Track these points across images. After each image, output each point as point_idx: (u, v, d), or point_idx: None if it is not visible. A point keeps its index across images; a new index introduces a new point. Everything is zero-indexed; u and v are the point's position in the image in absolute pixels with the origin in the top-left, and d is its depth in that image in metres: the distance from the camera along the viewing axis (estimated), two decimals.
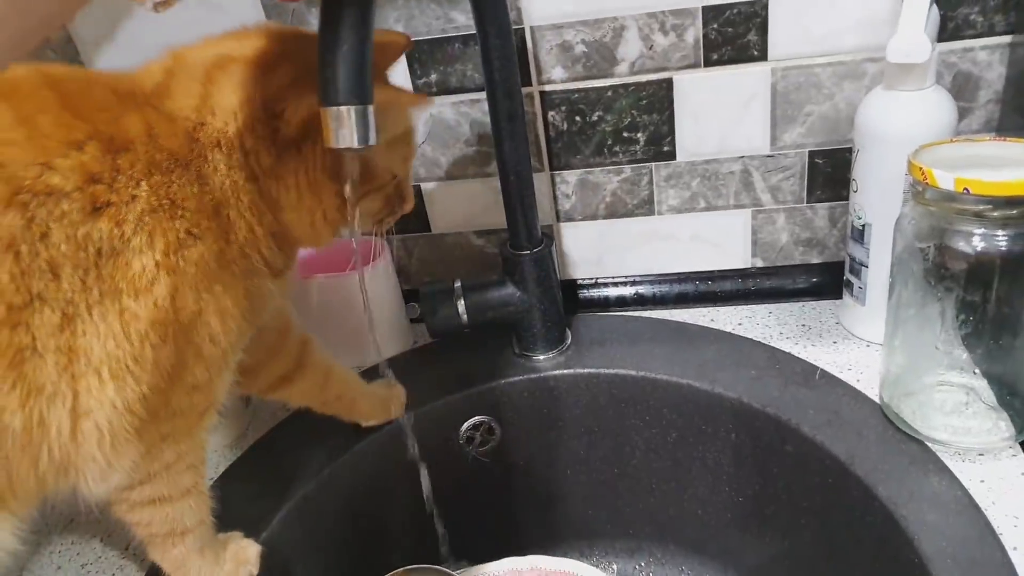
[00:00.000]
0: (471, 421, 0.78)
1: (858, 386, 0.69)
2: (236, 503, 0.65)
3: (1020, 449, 0.60)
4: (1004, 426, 0.60)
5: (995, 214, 0.53)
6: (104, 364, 0.44)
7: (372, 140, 0.45)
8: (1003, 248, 0.55)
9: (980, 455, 0.60)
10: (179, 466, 0.53)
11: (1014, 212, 0.53)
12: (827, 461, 0.64)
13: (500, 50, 0.64)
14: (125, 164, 0.45)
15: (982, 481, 0.57)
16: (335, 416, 0.72)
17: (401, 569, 0.66)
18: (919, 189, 0.56)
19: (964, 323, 0.60)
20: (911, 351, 0.63)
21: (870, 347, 0.73)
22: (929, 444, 0.61)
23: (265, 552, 0.61)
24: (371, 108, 0.45)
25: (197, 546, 0.57)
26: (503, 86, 0.66)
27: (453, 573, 0.64)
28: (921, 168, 0.54)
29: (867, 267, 0.70)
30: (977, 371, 0.62)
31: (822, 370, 0.71)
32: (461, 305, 0.75)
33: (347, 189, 0.52)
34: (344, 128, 0.44)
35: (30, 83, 0.44)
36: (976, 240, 0.55)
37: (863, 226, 0.69)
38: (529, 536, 0.84)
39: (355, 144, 0.45)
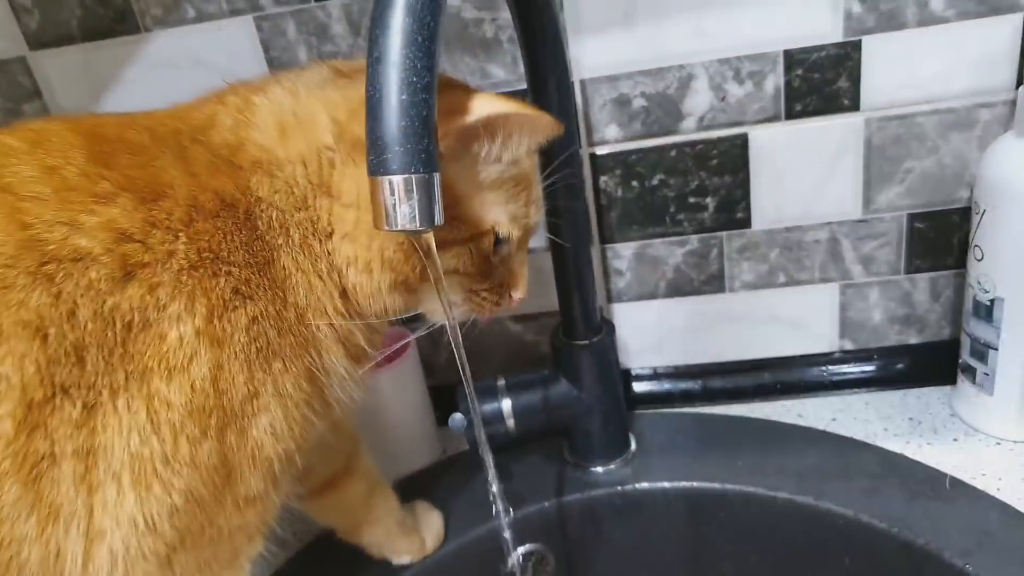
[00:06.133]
0: (520, 551, 0.65)
1: (999, 495, 0.57)
2: None
3: None
4: None
5: None
6: (125, 468, 0.36)
7: (438, 219, 0.33)
8: None
9: None
10: None
11: None
12: None
13: (559, 104, 0.53)
14: (159, 214, 0.37)
15: None
16: (362, 547, 0.59)
17: None
18: None
19: None
20: None
21: (1001, 445, 0.61)
22: None
23: None
24: (437, 177, 0.33)
25: None
26: (562, 149, 0.55)
27: None
28: None
29: (996, 349, 0.59)
30: None
31: (952, 477, 0.59)
32: (507, 407, 0.62)
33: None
34: (401, 204, 0.33)
35: (57, 131, 0.38)
36: None
37: (991, 301, 0.58)
38: None
39: (415, 225, 0.33)
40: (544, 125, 0.44)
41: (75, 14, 0.66)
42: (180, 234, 0.37)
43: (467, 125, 0.41)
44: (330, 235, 0.43)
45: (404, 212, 0.33)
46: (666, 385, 0.74)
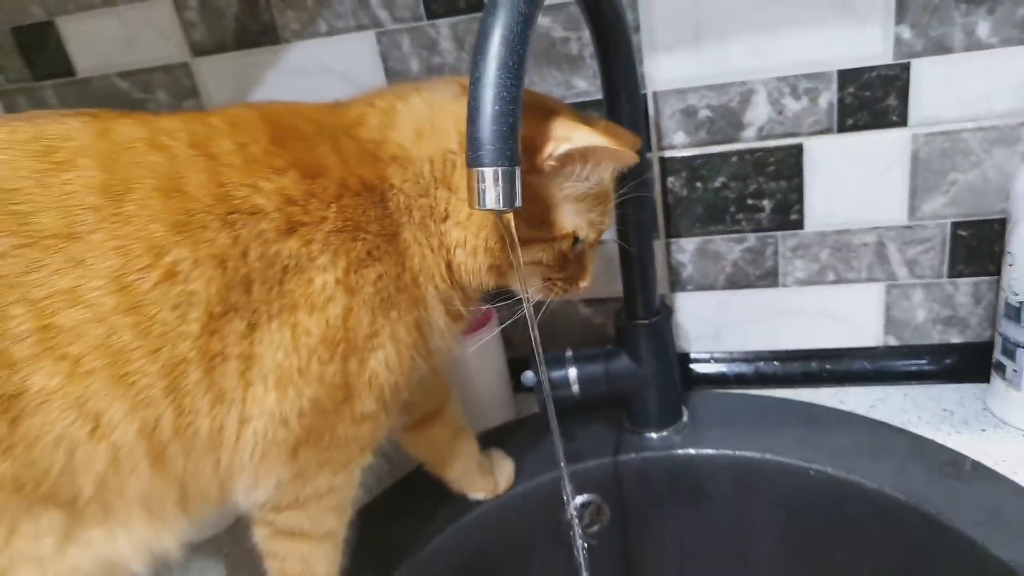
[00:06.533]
0: (579, 500, 0.74)
1: (1017, 479, 0.62)
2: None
3: None
4: None
5: None
6: (272, 373, 0.47)
7: (517, 203, 0.43)
8: None
9: None
10: (328, 501, 0.54)
11: None
12: (990, 565, 0.57)
13: (630, 116, 0.62)
14: (318, 188, 0.48)
15: None
16: (445, 481, 0.70)
17: None
18: None
19: None
20: None
21: None
22: None
23: None
24: (518, 170, 0.43)
25: None
26: (637, 168, 0.63)
27: None
28: None
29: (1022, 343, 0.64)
30: None
31: (973, 460, 0.64)
32: (573, 375, 0.72)
33: (508, 222, 0.49)
34: (489, 190, 0.43)
35: (248, 117, 0.50)
36: None
37: (1020, 304, 0.63)
38: None
39: (500, 207, 0.43)
40: (626, 157, 0.53)
41: (230, 27, 0.79)
42: (331, 205, 0.48)
43: (566, 152, 0.50)
44: (445, 219, 0.53)
45: (492, 196, 0.42)
46: (721, 368, 0.82)
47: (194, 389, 0.45)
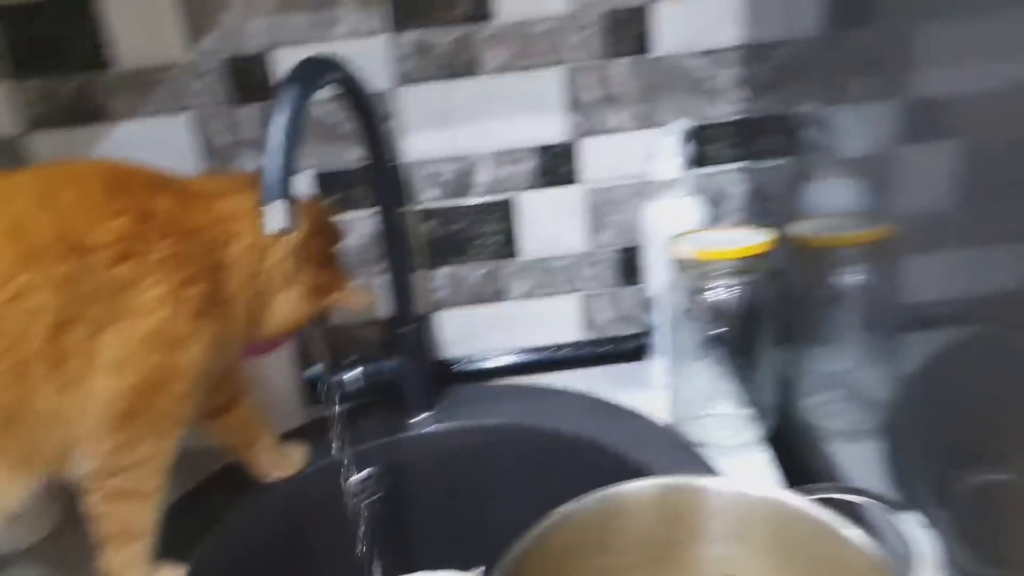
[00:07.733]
0: (358, 475, 0.94)
1: (652, 418, 0.92)
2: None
3: (764, 446, 0.84)
4: (752, 434, 0.84)
5: (725, 273, 0.80)
6: (109, 363, 0.62)
7: (294, 226, 0.66)
8: (734, 297, 0.80)
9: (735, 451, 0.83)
10: (154, 464, 0.68)
11: (736, 271, 0.79)
12: (633, 467, 0.84)
13: (384, 180, 0.88)
14: (148, 228, 0.65)
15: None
16: (245, 463, 0.87)
17: None
18: (677, 262, 0.82)
19: (723, 355, 0.84)
20: (688, 387, 0.87)
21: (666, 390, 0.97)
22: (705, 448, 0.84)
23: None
24: (291, 203, 0.65)
25: (144, 554, 0.70)
26: (389, 205, 0.89)
27: None
28: (673, 247, 0.81)
29: (656, 327, 0.95)
30: (738, 401, 0.87)
31: (630, 409, 0.94)
32: (352, 374, 0.94)
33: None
34: (276, 217, 0.65)
35: (90, 171, 0.66)
36: (715, 293, 0.81)
37: (649, 298, 0.95)
38: (415, 560, 1.00)
39: (285, 227, 0.65)
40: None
41: (63, 104, 0.97)
42: (161, 241, 0.64)
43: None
44: (269, 284, 0.73)
45: (277, 221, 0.64)
46: (473, 366, 1.07)
47: (41, 378, 0.59)
